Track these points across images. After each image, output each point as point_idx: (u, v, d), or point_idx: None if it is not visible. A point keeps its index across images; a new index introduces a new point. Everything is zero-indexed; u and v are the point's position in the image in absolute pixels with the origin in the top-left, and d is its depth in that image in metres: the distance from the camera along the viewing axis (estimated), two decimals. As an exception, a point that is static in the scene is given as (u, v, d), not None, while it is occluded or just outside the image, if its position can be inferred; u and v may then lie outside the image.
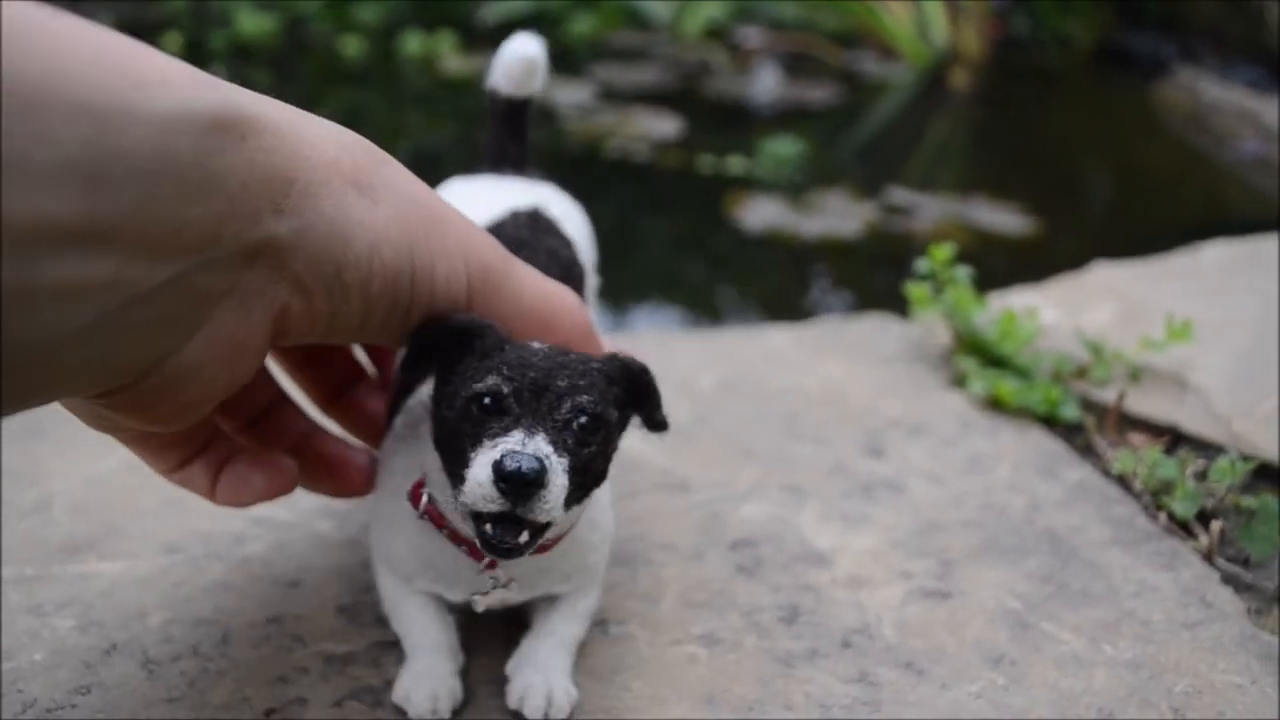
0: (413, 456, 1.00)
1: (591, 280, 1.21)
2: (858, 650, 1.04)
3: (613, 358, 0.90)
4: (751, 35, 5.05)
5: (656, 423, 0.95)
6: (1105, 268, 2.08)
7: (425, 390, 1.03)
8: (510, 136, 1.28)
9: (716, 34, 5.09)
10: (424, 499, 0.95)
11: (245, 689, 1.02)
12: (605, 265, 1.27)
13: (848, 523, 1.26)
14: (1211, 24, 4.68)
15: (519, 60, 1.25)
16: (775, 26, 5.13)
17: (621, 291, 2.52)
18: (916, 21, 4.84)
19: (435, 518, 0.95)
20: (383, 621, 1.10)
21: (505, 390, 0.83)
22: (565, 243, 1.14)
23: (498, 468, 0.78)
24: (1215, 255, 2.15)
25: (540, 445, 0.80)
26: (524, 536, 0.82)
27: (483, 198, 1.16)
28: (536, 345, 0.90)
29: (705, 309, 2.58)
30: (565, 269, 1.10)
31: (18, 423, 1.55)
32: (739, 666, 1.02)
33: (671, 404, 1.53)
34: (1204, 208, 3.29)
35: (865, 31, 4.99)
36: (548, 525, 0.83)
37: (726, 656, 1.03)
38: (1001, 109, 4.42)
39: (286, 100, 0.75)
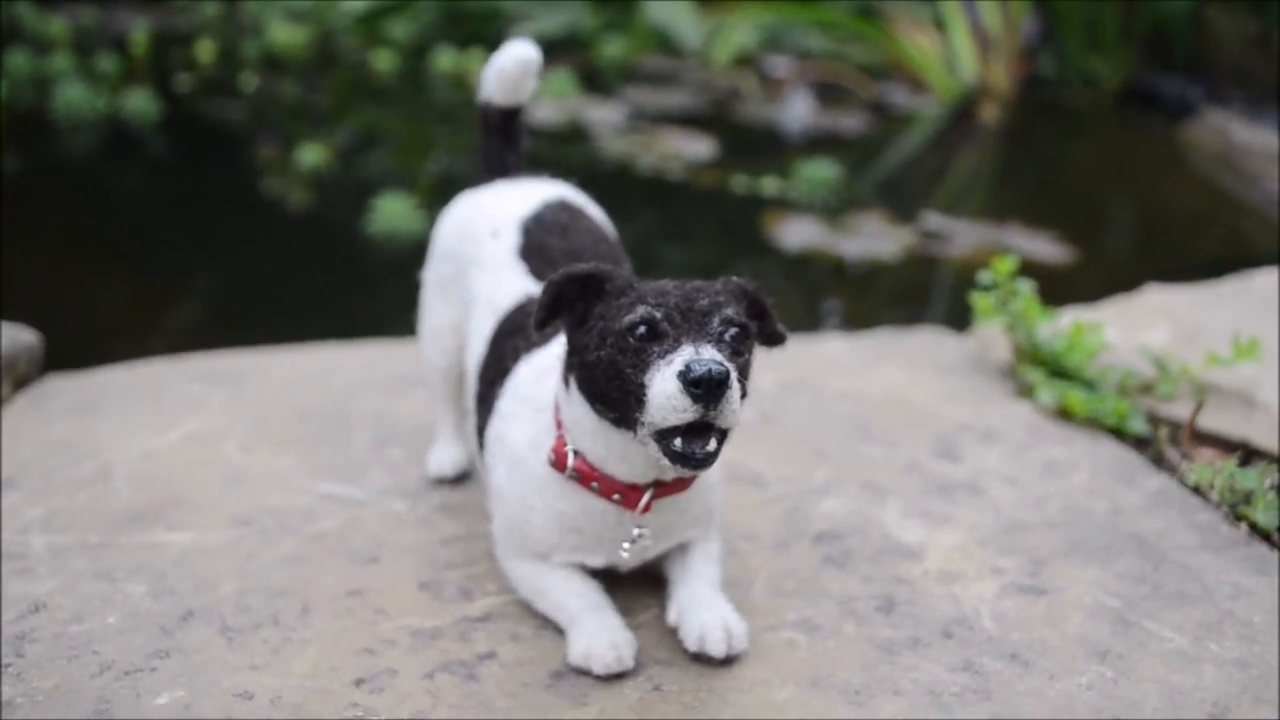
0: (535, 426, 1.02)
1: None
2: (960, 640, 1.02)
3: (729, 280, 0.95)
4: (780, 64, 5.07)
5: (775, 334, 1.00)
6: (1158, 291, 2.06)
7: (523, 370, 1.05)
8: (506, 145, 1.33)
9: (745, 61, 5.11)
10: (569, 455, 0.97)
11: (331, 659, 0.98)
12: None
13: (931, 520, 1.24)
14: (1239, 66, 4.70)
15: (515, 62, 1.27)
16: (803, 56, 5.15)
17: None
18: (945, 57, 4.86)
19: (585, 473, 0.97)
20: (467, 596, 1.08)
21: (658, 315, 0.88)
22: (597, 224, 1.23)
23: (684, 376, 0.83)
24: (1267, 282, 2.14)
25: (712, 353, 0.85)
26: (712, 444, 0.86)
27: (513, 197, 1.24)
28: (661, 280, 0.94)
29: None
30: (607, 243, 1.20)
31: (68, 398, 1.52)
32: (840, 652, 0.99)
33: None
34: (1232, 244, 3.28)
35: (895, 64, 5.01)
36: (726, 433, 0.87)
37: (826, 642, 1.00)
38: (1029, 144, 4.43)
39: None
